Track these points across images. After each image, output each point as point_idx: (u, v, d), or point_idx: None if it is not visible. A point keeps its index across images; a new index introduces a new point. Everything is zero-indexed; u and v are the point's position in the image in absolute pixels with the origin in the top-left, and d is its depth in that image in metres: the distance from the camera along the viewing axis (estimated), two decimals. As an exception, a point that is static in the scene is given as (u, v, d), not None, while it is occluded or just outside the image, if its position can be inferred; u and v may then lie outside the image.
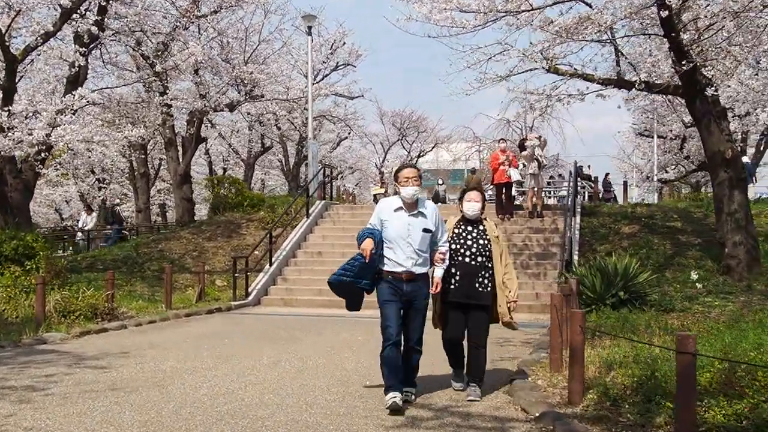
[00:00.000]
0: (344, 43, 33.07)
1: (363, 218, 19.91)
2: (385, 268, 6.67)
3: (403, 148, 53.62)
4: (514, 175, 18.60)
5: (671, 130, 34.42)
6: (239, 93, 24.72)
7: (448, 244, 6.96)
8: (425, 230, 6.67)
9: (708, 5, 12.68)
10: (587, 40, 15.21)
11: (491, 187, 27.19)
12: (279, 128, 33.00)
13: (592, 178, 30.80)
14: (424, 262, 6.70)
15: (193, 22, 20.90)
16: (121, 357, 9.46)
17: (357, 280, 6.75)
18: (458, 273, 6.96)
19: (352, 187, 47.38)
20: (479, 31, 15.04)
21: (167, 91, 21.50)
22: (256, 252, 17.76)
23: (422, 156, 54.42)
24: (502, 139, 21.45)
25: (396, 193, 7.00)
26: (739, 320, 10.54)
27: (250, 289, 16.54)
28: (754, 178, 26.76)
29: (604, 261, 13.08)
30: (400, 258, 6.61)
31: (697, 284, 13.35)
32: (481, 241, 7.03)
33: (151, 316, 13.59)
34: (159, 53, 19.89)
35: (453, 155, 50.25)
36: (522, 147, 18.84)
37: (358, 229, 19.13)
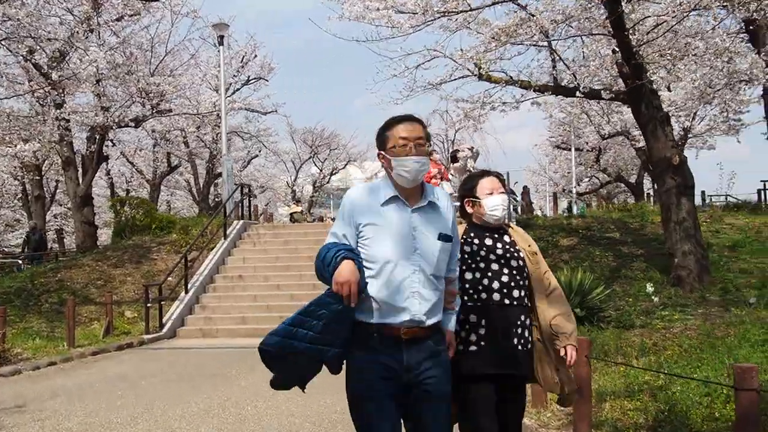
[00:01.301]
0: (255, 56, 31.68)
1: (287, 238, 18.53)
2: (365, 318, 3.39)
3: (315, 165, 52.43)
4: (446, 188, 17.56)
5: (587, 143, 34.46)
6: (144, 107, 22.92)
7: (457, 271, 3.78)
8: (443, 237, 3.48)
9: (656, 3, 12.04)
10: (525, 44, 14.41)
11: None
12: (187, 145, 31.19)
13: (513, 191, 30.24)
14: (439, 303, 3.48)
15: (92, 30, 19.08)
16: (16, 413, 7.78)
17: (321, 349, 3.42)
18: (482, 323, 3.90)
19: (262, 207, 45.74)
20: (411, 36, 14.04)
21: (64, 104, 19.56)
22: (170, 278, 16.10)
23: (335, 174, 53.35)
24: (433, 150, 20.45)
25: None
26: (710, 335, 9.75)
27: (164, 320, 14.88)
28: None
29: (558, 275, 12.11)
30: (396, 296, 3.37)
31: (652, 297, 12.57)
32: (513, 263, 3.98)
33: (51, 356, 11.81)
34: (55, 60, 17.98)
35: (368, 172, 49.22)
36: (454, 159, 17.86)
37: (281, 250, 17.71)
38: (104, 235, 33.10)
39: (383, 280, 3.35)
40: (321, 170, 51.73)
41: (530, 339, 3.99)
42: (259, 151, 39.05)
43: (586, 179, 38.69)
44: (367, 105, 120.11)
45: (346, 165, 52.81)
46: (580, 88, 13.27)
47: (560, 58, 14.30)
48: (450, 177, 17.88)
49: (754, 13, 12.79)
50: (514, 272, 3.98)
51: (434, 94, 16.12)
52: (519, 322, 3.95)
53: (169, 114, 24.57)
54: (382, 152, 3.49)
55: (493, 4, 12.93)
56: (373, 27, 12.71)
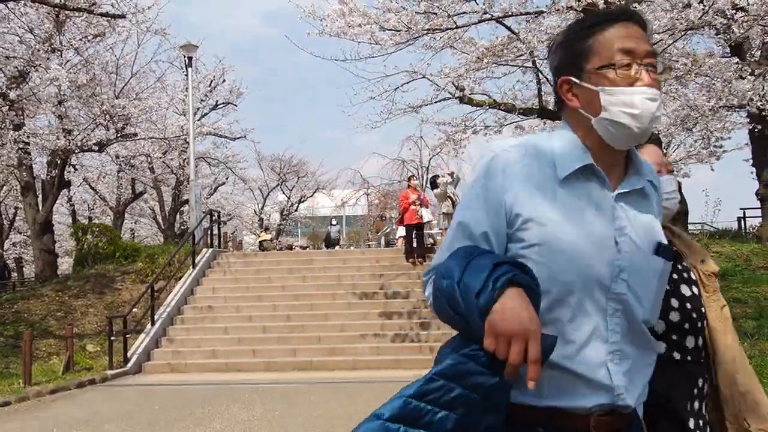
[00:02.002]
0: (224, 81, 30.93)
1: (258, 267, 17.71)
2: (530, 400, 1.71)
3: (283, 193, 51.56)
4: (426, 215, 16.95)
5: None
6: (109, 131, 22.00)
7: None
8: (665, 251, 1.80)
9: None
10: (511, 65, 13.90)
11: (390, 230, 25.63)
12: (153, 171, 30.20)
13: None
14: (650, 370, 1.84)
15: (54, 50, 18.20)
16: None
17: None
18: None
19: (230, 235, 44.66)
20: (392, 56, 13.51)
21: (23, 126, 18.60)
22: (136, 309, 15.14)
23: (303, 202, 52.51)
24: (412, 176, 19.85)
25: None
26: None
27: (129, 355, 13.91)
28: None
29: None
30: (584, 359, 1.72)
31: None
32: (684, 291, 2.49)
33: (5, 395, 10.81)
34: (13, 80, 17.05)
35: (337, 200, 48.46)
36: (434, 185, 17.25)
37: (253, 279, 16.90)
38: (65, 264, 31.84)
39: (560, 327, 1.72)
40: (289, 198, 50.84)
41: (707, 417, 2.48)
42: (227, 178, 38.16)
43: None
44: (336, 133, 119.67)
45: (314, 193, 51.97)
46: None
47: (546, 80, 13.79)
48: (429, 204, 17.30)
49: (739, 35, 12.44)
50: (687, 306, 2.46)
51: (414, 117, 15.51)
52: (696, 390, 2.45)
53: (135, 138, 23.67)
54: (573, 78, 1.79)
55: (480, 22, 12.37)
56: (353, 45, 12.08)
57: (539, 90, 14.38)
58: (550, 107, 14.48)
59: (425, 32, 12.22)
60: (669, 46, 11.32)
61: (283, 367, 13.57)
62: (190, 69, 21.99)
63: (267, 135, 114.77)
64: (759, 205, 23.82)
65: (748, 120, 18.57)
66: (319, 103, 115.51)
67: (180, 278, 16.99)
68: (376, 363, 13.43)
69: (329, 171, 63.53)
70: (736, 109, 19.29)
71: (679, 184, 10.14)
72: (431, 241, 20.04)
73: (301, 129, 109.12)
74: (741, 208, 23.15)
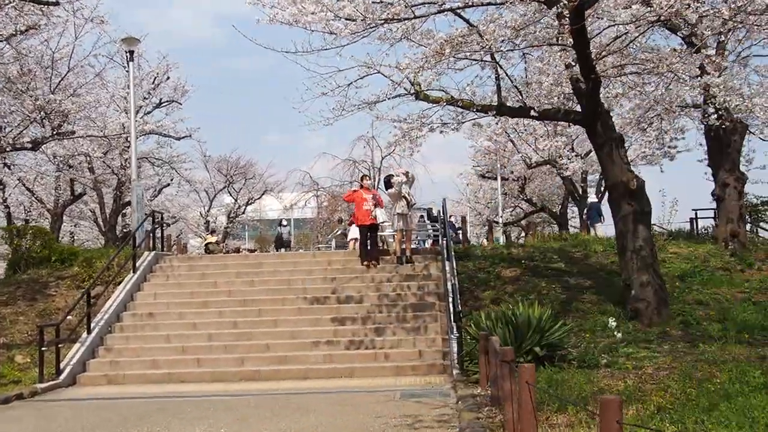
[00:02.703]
0: (168, 78, 29.80)
1: (204, 271, 16.88)
2: None
3: (230, 195, 50.41)
4: (380, 215, 16.30)
5: (512, 172, 33.90)
6: (44, 128, 20.86)
7: None
8: None
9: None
10: (470, 59, 13.33)
11: (345, 230, 24.85)
12: (93, 172, 28.91)
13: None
14: None
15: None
16: None
17: None
18: None
19: (175, 238, 43.34)
20: (346, 48, 12.78)
21: (-50, 122, 17.43)
22: (70, 317, 14.15)
23: (250, 204, 51.42)
24: (365, 175, 19.20)
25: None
26: (691, 377, 8.69)
27: (62, 366, 12.93)
28: (602, 218, 26.17)
29: (514, 310, 10.94)
30: None
31: (615, 333, 11.53)
32: None
33: None
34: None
35: (286, 202, 47.49)
36: (388, 185, 16.60)
37: (197, 284, 15.95)
38: (-1, 269, 30.34)
39: None
40: (236, 200, 49.72)
41: None
42: (171, 180, 36.88)
43: (509, 209, 38.21)
44: (285, 136, 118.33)
45: (262, 195, 50.95)
46: (535, 108, 12.21)
47: (507, 75, 13.28)
48: (384, 204, 16.69)
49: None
50: None
51: (368, 113, 14.83)
52: None
53: (73, 136, 22.50)
54: None
55: (439, 12, 11.76)
56: (305, 37, 11.38)
57: (498, 86, 13.84)
58: (509, 103, 13.98)
59: (382, 22, 11.56)
60: (634, 39, 10.90)
61: (229, 378, 12.76)
62: (131, 63, 20.95)
63: (214, 135, 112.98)
64: (710, 206, 23.85)
65: (701, 120, 18.38)
66: (268, 106, 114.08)
67: (119, 283, 16.01)
68: (329, 372, 12.72)
69: (278, 173, 62.59)
70: (690, 109, 19.11)
71: (642, 182, 9.63)
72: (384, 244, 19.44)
73: (249, 131, 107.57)
74: (693, 209, 23.07)
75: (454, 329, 12.30)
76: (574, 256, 16.78)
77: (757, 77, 17.34)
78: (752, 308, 12.91)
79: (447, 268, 14.74)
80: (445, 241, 15.94)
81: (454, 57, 13.02)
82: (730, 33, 16.13)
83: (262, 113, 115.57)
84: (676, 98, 14.81)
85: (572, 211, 39.06)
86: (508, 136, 31.82)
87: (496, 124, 28.55)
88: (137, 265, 16.76)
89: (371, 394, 10.81)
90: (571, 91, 12.91)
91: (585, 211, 28.16)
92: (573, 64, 11.46)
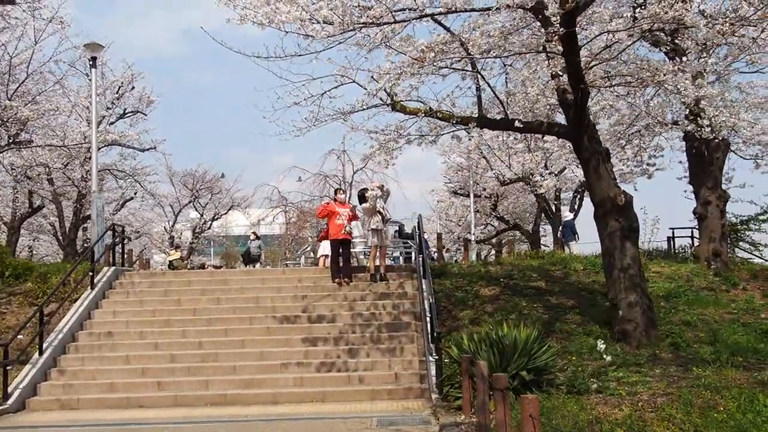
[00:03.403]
0: (133, 88, 28.83)
1: (167, 288, 16.03)
2: None
3: (196, 210, 49.29)
4: (355, 231, 15.61)
5: (485, 189, 33.45)
6: (0, 136, 19.87)
7: None
8: None
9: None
10: (450, 67, 12.74)
11: (311, 248, 24.13)
12: (52, 183, 27.79)
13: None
14: None
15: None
16: None
17: None
18: None
19: (138, 253, 42.14)
20: (322, 54, 12.13)
21: None
22: (21, 336, 13.22)
23: (216, 219, 50.35)
24: (338, 188, 18.48)
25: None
26: (692, 404, 8.09)
27: (10, 390, 11.99)
28: (576, 236, 25.74)
29: (498, 332, 10.29)
30: None
31: (604, 356, 10.92)
32: None
33: None
34: None
35: (253, 218, 46.51)
36: (362, 199, 15.91)
37: (160, 301, 15.01)
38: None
39: None
40: (202, 215, 48.58)
41: None
42: (135, 193, 35.80)
43: (481, 226, 37.73)
44: (254, 151, 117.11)
45: (228, 210, 49.89)
46: (519, 120, 11.64)
47: (488, 85, 12.70)
48: (360, 218, 16.03)
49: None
50: None
51: (343, 123, 14.18)
52: None
53: (31, 146, 21.53)
54: None
55: (421, 17, 11.15)
56: (277, 42, 10.72)
57: (479, 97, 13.31)
58: (490, 115, 13.41)
59: (360, 26, 10.92)
60: (627, 47, 10.40)
61: (193, 402, 11.92)
62: (94, 70, 20.03)
63: (180, 150, 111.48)
64: (687, 225, 23.52)
65: (683, 137, 18.01)
66: (236, 122, 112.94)
67: (76, 300, 15.08)
68: (300, 396, 11.94)
69: (245, 188, 61.43)
70: (671, 126, 18.77)
71: (630, 198, 9.07)
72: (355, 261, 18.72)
73: (216, 146, 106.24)
74: (671, 228, 22.72)
75: (433, 351, 11.62)
76: (554, 274, 16.22)
77: (738, 94, 16.97)
78: (742, 330, 12.44)
79: (424, 286, 14.06)
80: (421, 258, 15.28)
81: (434, 65, 12.44)
82: (712, 50, 15.82)
83: (230, 129, 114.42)
84: (665, 110, 14.43)
85: (544, 229, 38.75)
86: (482, 152, 31.47)
87: (469, 140, 28.06)
88: (96, 281, 15.84)
89: (345, 420, 10.09)
90: (556, 103, 12.40)
91: (560, 228, 27.73)
92: (560, 73, 10.91)
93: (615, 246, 11.87)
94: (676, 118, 17.77)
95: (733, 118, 14.32)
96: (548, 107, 13.01)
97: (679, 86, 11.30)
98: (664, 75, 10.92)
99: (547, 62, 10.84)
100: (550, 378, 9.97)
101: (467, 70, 12.78)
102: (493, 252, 41.83)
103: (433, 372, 11.65)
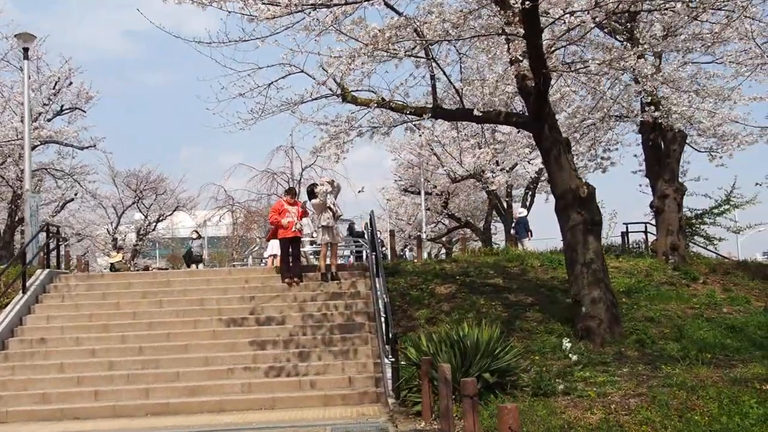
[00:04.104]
0: (71, 83, 27.60)
1: (105, 291, 15.12)
2: None
3: (140, 211, 47.87)
4: (306, 228, 14.90)
5: (435, 186, 33.00)
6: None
7: None
8: None
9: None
10: (404, 55, 12.11)
11: (258, 248, 23.31)
12: (-15, 184, 26.48)
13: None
14: None
15: None
16: None
17: None
18: None
19: (80, 257, 40.61)
20: (268, 40, 11.43)
21: None
22: (-56, 345, 12.20)
23: (161, 221, 49.01)
24: (290, 188, 17.74)
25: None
26: (668, 405, 7.62)
27: (-70, 404, 11.04)
28: (530, 233, 25.44)
29: (458, 331, 9.72)
30: None
31: (569, 355, 10.43)
32: None
33: None
34: None
35: (199, 219, 45.28)
36: (311, 195, 15.21)
37: (97, 305, 13.95)
38: None
39: None
40: (146, 217, 47.18)
41: None
42: (76, 194, 34.43)
43: (432, 224, 37.28)
44: (198, 150, 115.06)
45: (174, 211, 48.58)
46: (478, 109, 11.08)
47: (444, 73, 12.11)
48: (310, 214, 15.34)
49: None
50: None
51: (291, 115, 13.48)
52: None
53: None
54: None
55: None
56: (220, 27, 9.97)
57: (433, 86, 12.70)
58: (445, 105, 12.84)
59: (308, 7, 10.24)
60: (591, 29, 9.92)
61: (133, 413, 11.09)
62: (26, 62, 18.95)
63: (125, 151, 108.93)
64: (640, 221, 23.35)
65: (639, 130, 17.74)
66: (181, 122, 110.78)
67: (6, 305, 14.08)
68: (248, 403, 11.20)
69: (190, 188, 59.87)
70: (628, 117, 18.51)
71: (592, 189, 8.57)
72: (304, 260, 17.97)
73: (162, 147, 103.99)
74: (624, 223, 22.53)
75: (389, 353, 10.99)
76: (511, 271, 15.75)
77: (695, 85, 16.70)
78: (707, 325, 12.09)
79: (378, 284, 13.42)
80: (374, 256, 14.64)
81: (387, 52, 11.82)
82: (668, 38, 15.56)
83: (176, 129, 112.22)
84: (625, 99, 14.05)
85: (495, 227, 38.50)
86: (432, 149, 31.01)
87: (420, 136, 27.45)
88: (28, 284, 14.84)
89: (297, 429, 9.42)
90: (514, 92, 11.92)
91: (512, 225, 27.41)
92: (520, 58, 10.38)
93: (577, 240, 11.41)
94: (633, 110, 17.52)
95: (693, 107, 13.99)
96: (507, 96, 12.49)
97: (642, 71, 10.87)
98: (626, 60, 10.46)
99: (507, 47, 10.30)
100: (513, 380, 9.45)
101: (421, 57, 12.17)
102: (443, 250, 41.54)
103: (389, 375, 11.04)
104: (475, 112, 11.64)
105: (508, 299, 13.84)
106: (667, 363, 10.01)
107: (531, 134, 25.16)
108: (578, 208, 11.37)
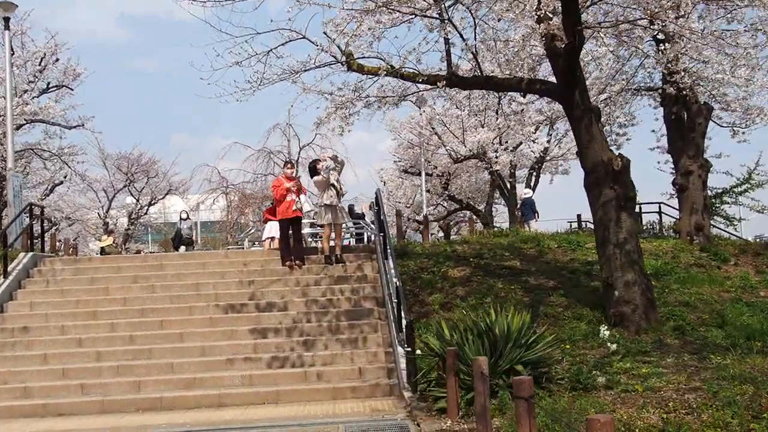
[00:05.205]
0: (57, 60, 26.38)
1: (93, 275, 14.09)
2: None
3: (131, 195, 46.71)
4: (306, 206, 13.87)
5: (436, 167, 31.98)
6: None
7: None
8: None
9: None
10: (417, 14, 11.08)
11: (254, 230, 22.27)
12: (-32, 165, 25.27)
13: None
14: None
15: None
16: None
17: None
18: None
19: (71, 241, 39.49)
20: (267, 4, 10.40)
21: None
22: None
23: (153, 204, 47.88)
24: (288, 161, 16.67)
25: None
26: (734, 402, 6.65)
27: None
28: (536, 214, 24.51)
29: (487, 319, 8.73)
30: None
31: (609, 344, 9.45)
32: None
33: None
34: None
35: (192, 202, 44.15)
36: (313, 171, 14.17)
37: (85, 291, 12.42)
38: None
39: None
40: (138, 200, 46.04)
41: None
42: (65, 177, 33.29)
43: (431, 207, 36.27)
44: (191, 135, 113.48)
45: (166, 195, 47.46)
46: (498, 76, 10.04)
47: (460, 36, 11.04)
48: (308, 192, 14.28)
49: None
50: None
51: (293, 84, 12.45)
52: None
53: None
54: None
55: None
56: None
57: (448, 51, 11.64)
58: (461, 72, 11.79)
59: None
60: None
61: (123, 408, 10.08)
62: (7, 32, 17.79)
63: (118, 135, 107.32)
64: (653, 200, 22.38)
65: (661, 102, 16.73)
66: (175, 106, 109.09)
67: (-15, 292, 13.05)
68: (249, 397, 10.21)
69: (183, 171, 58.50)
70: (644, 93, 17.52)
71: (627, 161, 7.56)
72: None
73: (155, 132, 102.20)
74: (638, 204, 21.53)
75: (404, 342, 10.00)
76: (527, 253, 14.76)
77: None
78: (748, 310, 11.13)
79: (390, 264, 12.36)
80: (383, 237, 13.63)
81: (399, 11, 10.78)
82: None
83: (169, 113, 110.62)
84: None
85: (496, 208, 37.54)
86: (433, 129, 29.99)
87: (422, 114, 26.20)
88: (10, 269, 13.79)
89: (305, 428, 8.42)
90: (539, 55, 10.86)
91: (518, 206, 26.46)
92: (550, 15, 9.33)
93: (610, 218, 10.41)
94: (653, 83, 16.58)
95: (726, 75, 12.99)
96: (531, 59, 11.43)
97: (683, 31, 9.85)
98: (667, 16, 9.43)
99: (537, 1, 9.24)
100: (545, 371, 8.47)
101: (435, 17, 11.12)
102: (441, 233, 40.53)
103: (403, 366, 10.07)
104: (493, 80, 10.59)
105: (528, 282, 12.86)
106: (715, 352, 9.06)
107: (539, 110, 24.24)
108: (611, 183, 10.36)
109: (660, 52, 12.72)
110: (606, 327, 9.89)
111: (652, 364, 8.75)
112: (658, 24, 9.86)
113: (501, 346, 8.28)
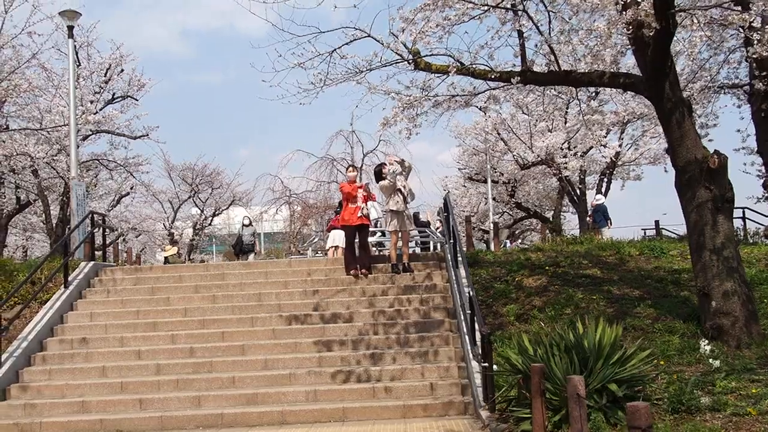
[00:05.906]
0: (122, 70, 26.42)
1: (154, 285, 13.72)
2: None
3: (196, 206, 47.00)
4: (373, 212, 13.24)
5: (502, 174, 31.13)
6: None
7: None
8: None
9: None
10: (489, 4, 10.36)
11: (318, 239, 21.69)
12: (37, 175, 25.45)
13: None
14: None
15: None
16: None
17: None
18: None
19: (137, 252, 39.80)
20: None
21: None
22: (-25, 346, 10.91)
23: (217, 215, 48.10)
24: (351, 165, 16.11)
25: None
26: None
27: (-44, 413, 9.71)
28: (609, 221, 23.40)
29: (574, 332, 7.93)
30: None
31: (710, 361, 8.54)
32: None
33: None
34: None
35: (255, 213, 44.14)
36: (379, 176, 13.56)
37: (146, 301, 11.50)
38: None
39: None
40: (202, 211, 46.31)
41: None
42: (132, 188, 33.52)
43: (497, 215, 35.35)
44: (254, 150, 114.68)
45: (229, 205, 47.63)
46: (573, 74, 9.23)
47: (536, 28, 10.26)
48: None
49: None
50: None
51: (358, 84, 11.88)
52: None
53: (7, 130, 19.20)
54: None
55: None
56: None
57: (522, 45, 10.89)
58: (536, 68, 11.02)
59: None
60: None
61: (182, 424, 9.59)
62: (71, 41, 17.71)
63: (183, 151, 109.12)
64: (737, 205, 21.05)
65: (748, 99, 15.60)
66: (239, 121, 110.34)
67: (45, 301, 12.78)
68: (314, 414, 9.59)
69: (246, 182, 58.78)
70: (728, 90, 16.42)
71: (724, 159, 6.62)
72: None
73: (219, 146, 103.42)
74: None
75: (479, 356, 9.25)
76: (607, 261, 13.84)
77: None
78: None
79: (462, 273, 11.62)
80: (453, 243, 12.91)
81: (472, 2, 10.09)
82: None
83: (233, 128, 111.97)
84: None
85: (564, 216, 36.41)
86: (498, 134, 29.20)
87: (486, 120, 25.28)
88: (71, 278, 13.53)
89: (375, 451, 7.76)
90: (623, 45, 10.01)
91: (589, 213, 25.38)
92: (639, 0, 8.52)
93: (705, 221, 9.49)
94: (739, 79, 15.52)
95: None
96: (614, 50, 10.56)
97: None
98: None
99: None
100: (640, 391, 7.62)
101: (507, 9, 10.38)
102: (508, 242, 39.52)
103: (478, 382, 9.34)
104: (572, 76, 9.78)
105: (611, 292, 11.96)
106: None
107: (616, 111, 23.19)
108: (706, 182, 9.45)
109: (754, 43, 11.71)
110: (705, 341, 8.97)
111: (762, 383, 7.81)
112: (759, 6, 8.93)
113: (592, 363, 7.47)
